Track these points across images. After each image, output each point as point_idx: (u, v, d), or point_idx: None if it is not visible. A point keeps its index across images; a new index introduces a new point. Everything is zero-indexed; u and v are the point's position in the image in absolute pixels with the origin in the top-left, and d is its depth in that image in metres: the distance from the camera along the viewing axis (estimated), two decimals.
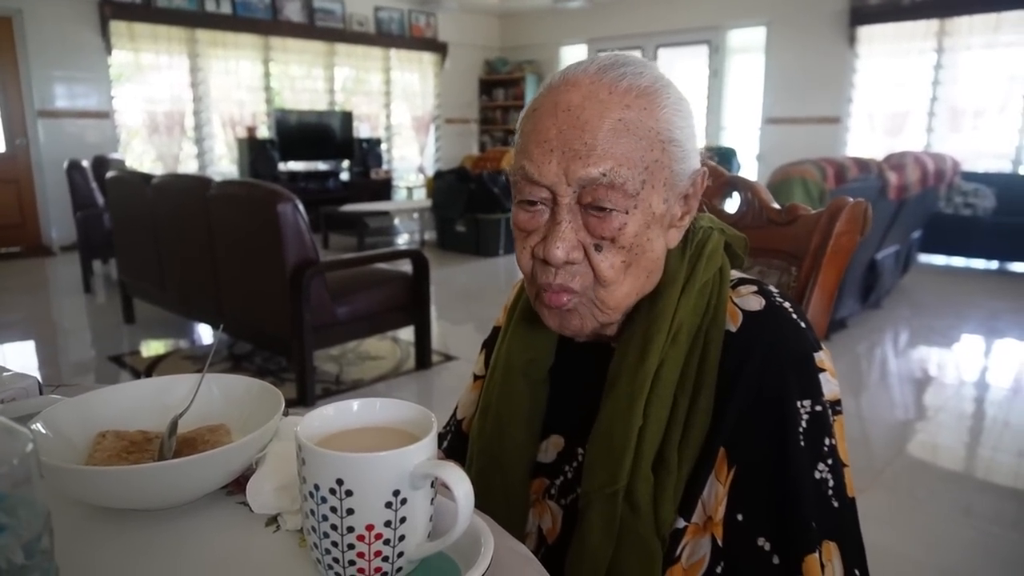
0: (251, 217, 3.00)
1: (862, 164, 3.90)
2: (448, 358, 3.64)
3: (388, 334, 3.86)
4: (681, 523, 0.68)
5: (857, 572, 0.67)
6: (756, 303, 0.72)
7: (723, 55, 8.28)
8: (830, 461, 0.67)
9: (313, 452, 0.48)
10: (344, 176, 8.77)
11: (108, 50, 6.88)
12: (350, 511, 0.48)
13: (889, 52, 7.09)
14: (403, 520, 0.49)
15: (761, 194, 1.05)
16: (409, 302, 3.34)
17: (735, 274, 0.77)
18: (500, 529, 0.59)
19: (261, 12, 7.89)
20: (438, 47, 9.66)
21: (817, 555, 0.64)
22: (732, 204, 1.11)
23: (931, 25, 6.79)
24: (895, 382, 3.45)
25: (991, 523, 2.13)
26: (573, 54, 9.67)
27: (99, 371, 3.55)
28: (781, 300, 0.72)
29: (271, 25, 7.97)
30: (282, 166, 8.07)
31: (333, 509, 0.48)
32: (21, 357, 3.86)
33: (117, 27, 6.88)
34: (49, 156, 6.57)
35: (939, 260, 6.36)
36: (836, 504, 0.67)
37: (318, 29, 8.37)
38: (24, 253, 6.65)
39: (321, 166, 8.66)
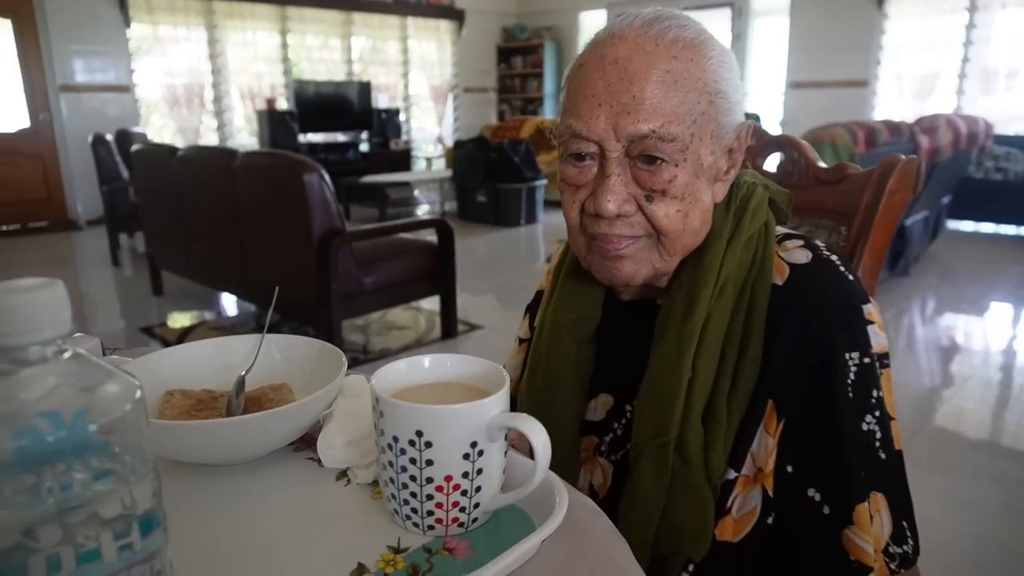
0: (277, 188, 3.01)
1: (893, 127, 3.82)
2: (472, 327, 3.66)
3: (412, 304, 3.88)
4: (731, 474, 0.69)
5: (905, 524, 0.68)
6: (803, 256, 0.71)
7: (746, 18, 8.08)
8: (877, 413, 0.67)
9: (392, 405, 0.49)
10: (363, 147, 8.74)
11: (127, 23, 6.86)
12: (429, 462, 0.49)
13: (919, 12, 6.89)
14: (480, 471, 0.50)
15: (808, 153, 1.04)
16: (434, 271, 3.35)
17: (780, 230, 0.76)
18: (567, 483, 0.59)
19: None
20: (455, 14, 9.53)
21: (867, 505, 0.65)
22: (769, 164, 1.10)
23: None
24: (923, 350, 3.42)
25: (1021, 489, 2.12)
26: (592, 20, 9.49)
27: (130, 342, 3.60)
28: (828, 253, 0.72)
29: None
30: (301, 138, 8.06)
31: (412, 460, 0.49)
32: None
33: None
34: (72, 131, 6.61)
35: (968, 226, 6.24)
36: (883, 456, 0.67)
37: None
38: (50, 228, 6.73)
39: (340, 137, 8.63)
